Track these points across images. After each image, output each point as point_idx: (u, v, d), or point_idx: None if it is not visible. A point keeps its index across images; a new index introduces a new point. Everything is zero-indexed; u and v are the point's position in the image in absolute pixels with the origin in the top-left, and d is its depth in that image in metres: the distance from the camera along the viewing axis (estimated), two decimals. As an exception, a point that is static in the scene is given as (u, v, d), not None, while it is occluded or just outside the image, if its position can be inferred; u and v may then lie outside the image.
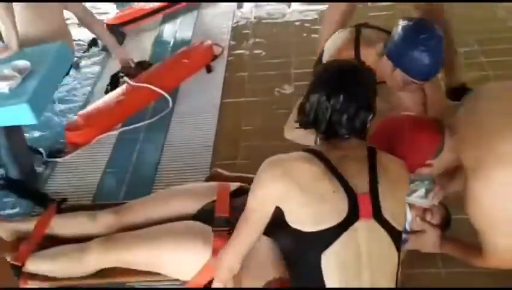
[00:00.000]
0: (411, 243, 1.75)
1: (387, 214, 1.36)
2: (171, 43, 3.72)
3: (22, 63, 2.39)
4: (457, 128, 1.51)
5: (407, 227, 1.74)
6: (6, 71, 2.34)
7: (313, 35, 3.47)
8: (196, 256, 1.67)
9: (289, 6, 3.97)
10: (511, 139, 1.38)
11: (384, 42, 1.97)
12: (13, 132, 2.41)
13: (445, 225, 1.78)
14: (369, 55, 2.01)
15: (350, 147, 1.42)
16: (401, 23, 1.92)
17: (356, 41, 2.11)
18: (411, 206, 1.74)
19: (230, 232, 1.58)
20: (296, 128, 1.52)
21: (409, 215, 1.74)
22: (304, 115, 1.46)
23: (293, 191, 1.34)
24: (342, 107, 1.39)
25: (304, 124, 1.48)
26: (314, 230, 1.33)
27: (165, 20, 4.00)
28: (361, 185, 1.36)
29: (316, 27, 3.59)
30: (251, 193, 1.44)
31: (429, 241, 1.73)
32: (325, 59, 2.20)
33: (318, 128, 1.44)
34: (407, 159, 1.48)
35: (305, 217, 1.35)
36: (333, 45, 2.20)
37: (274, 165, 1.39)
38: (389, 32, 2.01)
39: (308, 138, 1.59)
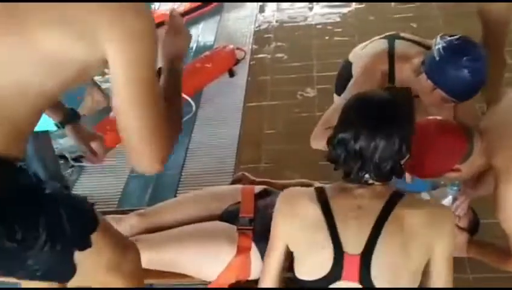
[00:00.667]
0: (438, 247, 1.73)
1: (378, 278, 1.25)
2: (194, 47, 3.75)
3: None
4: (488, 131, 1.48)
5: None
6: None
7: (335, 38, 3.48)
8: (221, 255, 1.67)
9: (311, 10, 3.97)
10: None
11: (422, 59, 1.87)
12: (41, 138, 2.45)
13: (473, 229, 1.75)
14: (405, 71, 1.94)
15: (368, 195, 1.31)
16: (441, 41, 1.80)
17: (390, 55, 2.00)
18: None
19: (254, 231, 1.58)
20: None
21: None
22: (333, 153, 1.33)
23: (295, 231, 1.34)
24: (371, 152, 1.26)
25: (333, 162, 1.35)
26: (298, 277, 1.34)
27: (187, 25, 3.97)
28: (354, 244, 1.26)
29: (338, 30, 3.59)
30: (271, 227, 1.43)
31: (457, 246, 1.70)
32: (354, 71, 2.09)
33: (345, 171, 1.32)
34: (434, 163, 1.46)
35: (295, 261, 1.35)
36: (365, 56, 2.07)
37: (285, 203, 1.39)
38: (423, 46, 1.94)
39: None
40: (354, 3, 3.93)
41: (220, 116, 2.97)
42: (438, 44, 1.79)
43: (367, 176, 1.30)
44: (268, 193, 1.86)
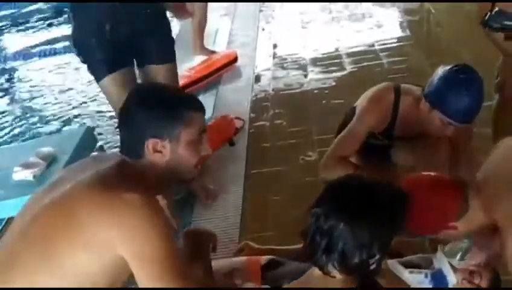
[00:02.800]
0: (459, 309, 1.62)
1: None
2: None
3: (46, 149, 2.42)
4: (485, 185, 1.43)
5: (454, 291, 1.62)
6: (31, 158, 2.38)
7: (333, 101, 3.49)
8: None
9: (306, 76, 4.03)
10: None
11: (423, 87, 2.01)
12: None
13: (494, 288, 1.65)
14: (408, 102, 2.07)
15: (326, 284, 1.26)
16: (441, 68, 1.95)
17: (397, 88, 2.13)
18: (456, 268, 1.62)
19: None
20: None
21: (454, 278, 1.62)
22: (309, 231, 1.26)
23: None
24: (339, 236, 1.19)
25: (303, 235, 1.29)
26: None
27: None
28: None
29: (335, 93, 3.61)
30: None
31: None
32: (360, 106, 2.18)
33: (311, 249, 1.26)
34: (426, 220, 1.40)
35: None
36: (371, 92, 2.19)
37: None
38: None
39: None
40: (348, 67, 4.00)
41: (222, 186, 2.91)
42: (438, 70, 1.94)
43: (331, 267, 1.22)
44: (278, 264, 1.77)
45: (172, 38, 2.57)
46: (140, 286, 1.30)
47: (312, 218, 1.25)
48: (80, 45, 2.35)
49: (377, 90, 2.18)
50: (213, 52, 4.42)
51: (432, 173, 1.64)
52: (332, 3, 5.22)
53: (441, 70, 1.96)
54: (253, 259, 1.88)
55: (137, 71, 2.47)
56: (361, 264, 1.21)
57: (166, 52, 2.46)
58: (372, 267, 1.24)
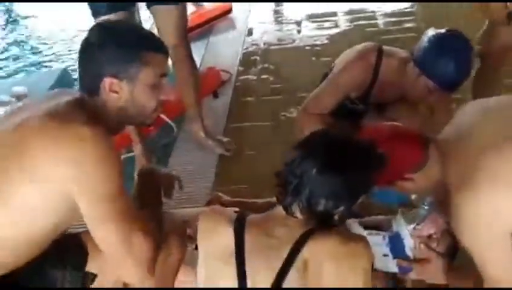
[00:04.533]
0: (415, 272, 1.62)
1: None
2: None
3: (21, 88, 2.39)
4: (444, 144, 1.40)
5: (410, 255, 1.61)
6: (5, 97, 2.35)
7: (322, 59, 3.42)
8: None
9: (299, 32, 3.93)
10: (499, 154, 1.27)
11: (411, 50, 1.95)
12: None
13: (452, 253, 1.64)
14: (392, 65, 2.01)
15: (282, 235, 1.25)
16: (432, 31, 1.90)
17: (379, 50, 2.06)
18: (415, 232, 1.61)
19: None
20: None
21: (411, 242, 1.61)
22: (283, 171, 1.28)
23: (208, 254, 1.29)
24: (308, 181, 1.21)
25: (276, 176, 1.31)
26: None
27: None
28: (260, 283, 1.22)
29: (326, 51, 3.54)
30: None
31: (434, 272, 1.60)
32: (338, 67, 2.13)
33: (280, 192, 1.28)
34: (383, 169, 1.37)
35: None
36: (352, 51, 2.13)
37: (206, 219, 1.35)
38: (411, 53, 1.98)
39: None
40: (342, 25, 3.90)
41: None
42: (428, 33, 1.89)
43: (295, 207, 1.24)
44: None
45: None
46: (88, 225, 1.29)
47: (287, 160, 1.26)
48: None
49: (358, 50, 2.11)
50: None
51: (393, 123, 1.61)
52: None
53: (431, 34, 1.90)
54: (217, 209, 1.87)
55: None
56: (325, 212, 1.24)
57: None
58: (335, 217, 1.26)
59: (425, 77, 1.88)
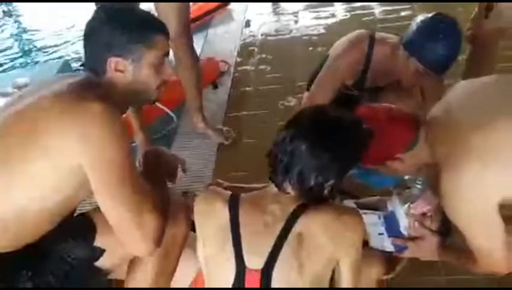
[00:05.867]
0: (410, 250, 1.66)
1: None
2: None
3: (22, 80, 2.43)
4: (433, 124, 1.44)
5: (405, 233, 1.65)
6: (8, 88, 2.39)
7: (319, 49, 3.45)
8: None
9: (296, 22, 3.96)
10: (483, 133, 1.30)
11: (401, 36, 2.00)
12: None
13: (445, 231, 1.68)
14: (383, 51, 2.06)
15: (278, 200, 1.30)
16: (421, 16, 1.96)
17: (371, 37, 2.11)
18: (409, 211, 1.65)
19: None
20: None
21: (406, 221, 1.65)
22: (273, 150, 1.32)
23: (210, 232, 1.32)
24: (299, 157, 1.24)
25: (268, 156, 1.36)
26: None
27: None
28: (256, 258, 1.24)
29: (323, 41, 3.56)
30: None
31: (428, 249, 1.64)
32: (332, 56, 2.17)
33: (272, 166, 1.32)
34: (373, 148, 1.41)
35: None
36: (344, 40, 2.18)
37: (202, 202, 1.37)
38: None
39: None
40: (339, 15, 3.93)
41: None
42: (417, 19, 1.94)
43: (287, 184, 1.28)
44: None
45: None
46: (98, 200, 1.32)
47: (278, 138, 1.29)
48: None
49: (350, 38, 2.16)
50: None
51: (385, 105, 1.65)
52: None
53: (420, 19, 1.95)
54: (212, 190, 1.91)
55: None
56: (316, 186, 1.27)
57: None
58: (325, 190, 1.30)
59: (415, 60, 1.93)
